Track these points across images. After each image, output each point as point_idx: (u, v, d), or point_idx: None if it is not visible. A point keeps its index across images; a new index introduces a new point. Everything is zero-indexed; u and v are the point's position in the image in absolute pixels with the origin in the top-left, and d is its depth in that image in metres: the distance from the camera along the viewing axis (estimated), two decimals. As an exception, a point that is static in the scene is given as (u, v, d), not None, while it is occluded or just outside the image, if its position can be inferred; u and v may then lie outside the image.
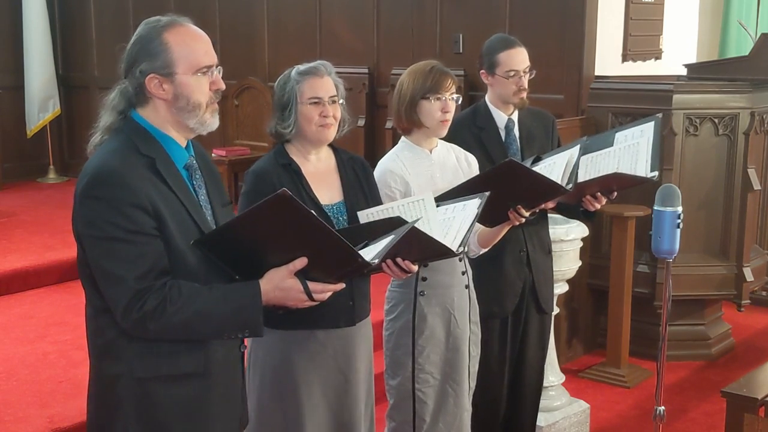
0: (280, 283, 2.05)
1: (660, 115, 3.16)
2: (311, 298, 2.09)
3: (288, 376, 2.70)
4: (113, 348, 2.07)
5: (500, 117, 3.45)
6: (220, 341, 2.14)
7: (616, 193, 3.18)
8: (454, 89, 3.06)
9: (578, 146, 2.98)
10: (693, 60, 6.20)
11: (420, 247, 2.46)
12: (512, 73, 3.35)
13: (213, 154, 6.20)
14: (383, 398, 3.22)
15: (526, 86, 3.40)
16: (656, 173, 2.97)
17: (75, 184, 2.07)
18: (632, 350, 4.97)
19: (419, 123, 3.06)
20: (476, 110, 3.49)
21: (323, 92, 2.70)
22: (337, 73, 2.79)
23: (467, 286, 3.16)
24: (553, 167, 2.96)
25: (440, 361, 3.11)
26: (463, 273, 3.14)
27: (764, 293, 5.98)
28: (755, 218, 5.22)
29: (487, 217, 2.89)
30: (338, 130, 2.77)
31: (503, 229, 3.06)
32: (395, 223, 2.37)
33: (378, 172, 3.05)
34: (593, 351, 5.26)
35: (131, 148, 2.05)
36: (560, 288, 4.24)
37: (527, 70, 3.39)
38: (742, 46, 6.52)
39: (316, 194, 2.71)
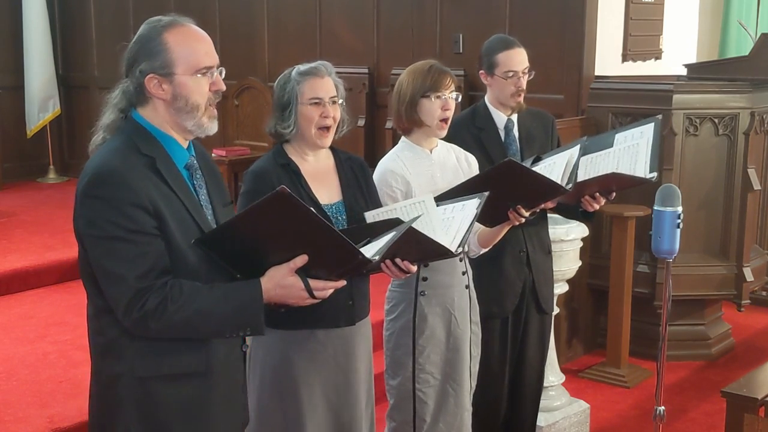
0: (281, 281, 2.05)
1: (660, 116, 3.16)
2: (312, 296, 2.09)
3: (288, 376, 2.71)
4: (114, 347, 2.08)
5: (500, 117, 3.45)
6: (222, 340, 2.14)
7: (614, 194, 3.18)
8: (453, 87, 3.06)
9: (578, 146, 2.98)
10: (693, 60, 6.20)
11: (419, 248, 2.46)
12: (511, 74, 3.35)
13: (213, 154, 6.19)
14: (383, 398, 3.22)
15: (525, 87, 3.40)
16: (655, 174, 2.97)
17: (75, 184, 2.07)
18: (632, 350, 4.97)
19: (420, 122, 3.06)
20: (475, 111, 3.49)
21: (324, 93, 2.71)
22: (337, 73, 2.79)
23: (467, 286, 3.16)
24: (553, 167, 2.96)
25: (441, 361, 3.11)
26: (464, 273, 3.14)
27: (764, 293, 5.98)
28: (755, 218, 5.22)
29: (487, 217, 2.89)
30: (337, 131, 2.77)
31: (503, 229, 3.06)
32: (394, 224, 2.38)
33: (379, 172, 3.05)
34: (593, 351, 5.26)
35: (132, 147, 2.05)
36: (560, 288, 4.24)
37: (526, 71, 3.39)
38: (742, 46, 6.53)
39: (315, 194, 2.71)
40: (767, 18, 6.72)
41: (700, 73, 5.34)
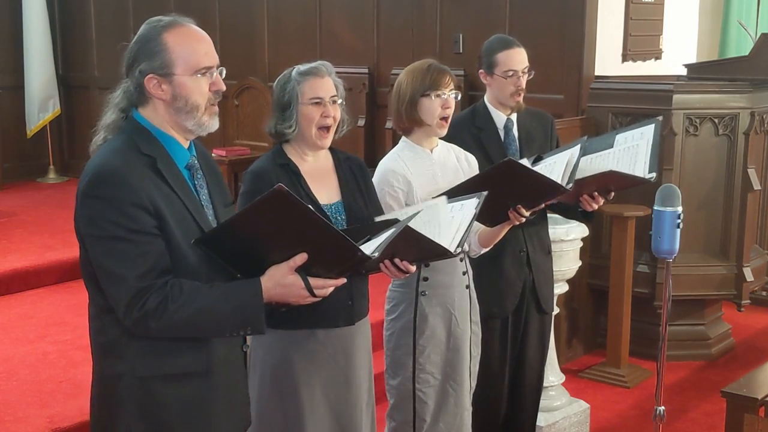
0: (281, 280, 2.05)
1: (661, 117, 3.17)
2: (313, 294, 2.09)
3: (288, 376, 2.71)
4: (115, 347, 2.08)
5: (499, 117, 3.45)
6: (222, 340, 2.14)
7: (613, 194, 3.18)
8: (452, 86, 3.06)
9: (579, 146, 2.98)
10: (693, 60, 6.20)
11: (417, 247, 2.46)
12: (510, 73, 3.35)
13: (213, 154, 6.19)
14: (383, 398, 3.22)
15: (524, 87, 3.40)
16: (654, 174, 2.97)
17: (75, 184, 2.07)
18: (632, 350, 4.97)
19: (420, 121, 3.06)
20: (475, 111, 3.49)
21: (324, 92, 2.71)
22: (337, 73, 2.79)
23: (468, 287, 3.16)
24: (554, 167, 2.96)
25: (441, 361, 3.11)
26: (464, 273, 3.14)
27: (764, 293, 5.99)
28: (755, 218, 5.22)
29: (487, 216, 2.89)
30: (337, 131, 2.78)
31: (504, 229, 3.06)
32: (393, 223, 2.38)
33: (380, 172, 3.05)
34: (593, 351, 5.26)
35: (132, 147, 2.05)
36: (560, 288, 4.24)
37: (525, 70, 3.39)
38: (742, 46, 6.52)
39: (314, 194, 2.71)
40: (767, 18, 6.72)
41: (700, 73, 5.34)
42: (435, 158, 3.12)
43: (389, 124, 5.64)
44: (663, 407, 3.10)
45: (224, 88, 2.15)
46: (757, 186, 4.99)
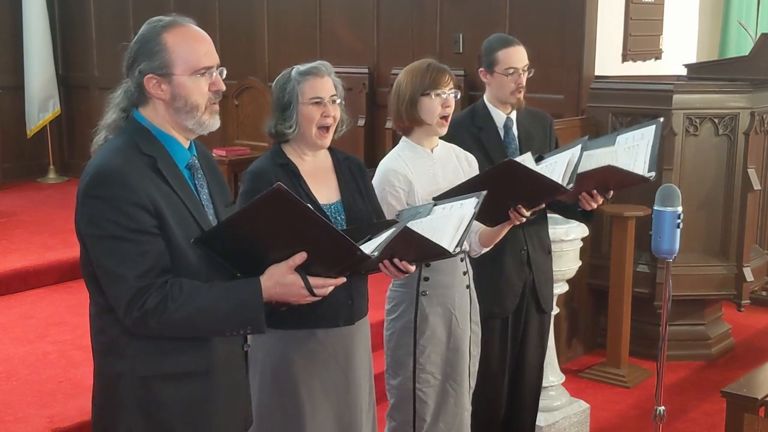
0: (281, 279, 2.05)
1: (662, 118, 3.16)
2: (312, 293, 2.09)
3: (288, 376, 2.71)
4: (116, 346, 2.08)
5: (499, 116, 3.45)
6: (223, 339, 2.15)
7: (612, 192, 3.18)
8: (452, 84, 3.06)
9: (580, 146, 2.98)
10: (693, 60, 6.20)
11: (417, 247, 2.46)
12: (511, 71, 3.36)
13: (213, 154, 6.18)
14: (383, 398, 3.22)
15: (524, 85, 3.40)
16: (653, 173, 2.96)
17: (75, 184, 2.07)
18: (632, 350, 4.97)
19: (420, 121, 3.06)
20: (475, 110, 3.50)
21: (324, 92, 2.71)
22: (337, 73, 2.80)
23: (468, 286, 3.16)
24: (555, 167, 2.96)
25: (441, 361, 3.11)
26: (464, 273, 3.14)
27: (764, 293, 5.99)
28: (755, 218, 5.22)
29: (487, 216, 2.90)
30: (337, 131, 2.78)
31: (504, 229, 3.06)
32: (392, 224, 2.39)
33: (380, 171, 3.05)
34: (593, 351, 5.26)
35: (133, 147, 2.05)
36: (560, 288, 4.24)
37: (526, 68, 3.40)
38: (742, 46, 6.52)
39: (314, 194, 2.71)
40: (767, 18, 6.72)
41: (700, 73, 5.34)
42: (435, 158, 3.12)
43: (389, 124, 5.64)
44: (663, 407, 3.10)
45: (224, 88, 2.15)
46: (757, 186, 4.99)
